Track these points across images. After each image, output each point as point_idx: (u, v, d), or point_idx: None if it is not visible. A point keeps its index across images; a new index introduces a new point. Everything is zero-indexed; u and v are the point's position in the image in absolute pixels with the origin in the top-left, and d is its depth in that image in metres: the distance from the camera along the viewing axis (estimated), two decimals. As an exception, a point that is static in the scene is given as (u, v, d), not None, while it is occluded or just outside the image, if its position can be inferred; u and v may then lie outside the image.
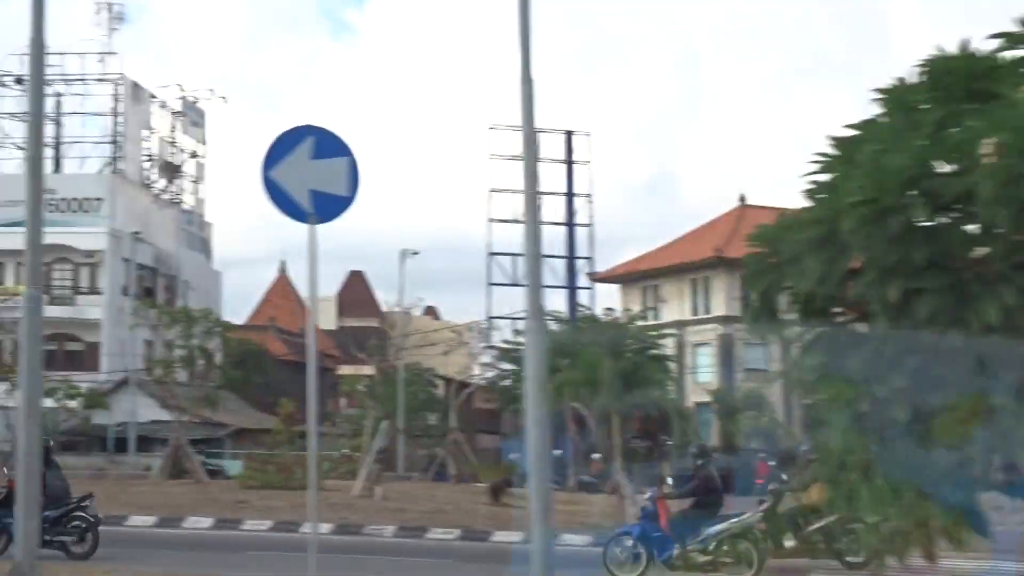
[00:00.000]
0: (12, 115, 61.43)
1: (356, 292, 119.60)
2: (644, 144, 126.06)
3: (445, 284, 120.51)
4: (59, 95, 61.66)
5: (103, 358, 56.34)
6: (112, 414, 50.81)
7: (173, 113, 65.77)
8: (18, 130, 61.95)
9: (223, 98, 67.42)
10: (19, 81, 60.68)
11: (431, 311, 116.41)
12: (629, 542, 16.89)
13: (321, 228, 10.44)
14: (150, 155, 63.75)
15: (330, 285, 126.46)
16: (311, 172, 10.50)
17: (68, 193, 58.61)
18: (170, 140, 65.67)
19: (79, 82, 60.64)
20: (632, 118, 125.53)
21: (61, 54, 60.13)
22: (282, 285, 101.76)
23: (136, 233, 55.60)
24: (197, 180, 69.07)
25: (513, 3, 10.34)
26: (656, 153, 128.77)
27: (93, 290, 57.73)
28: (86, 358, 56.63)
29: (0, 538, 18.72)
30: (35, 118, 8.65)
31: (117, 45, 62.45)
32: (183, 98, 65.87)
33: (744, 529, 16.82)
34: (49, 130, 62.45)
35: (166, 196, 65.01)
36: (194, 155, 68.38)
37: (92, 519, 18.91)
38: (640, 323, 53.66)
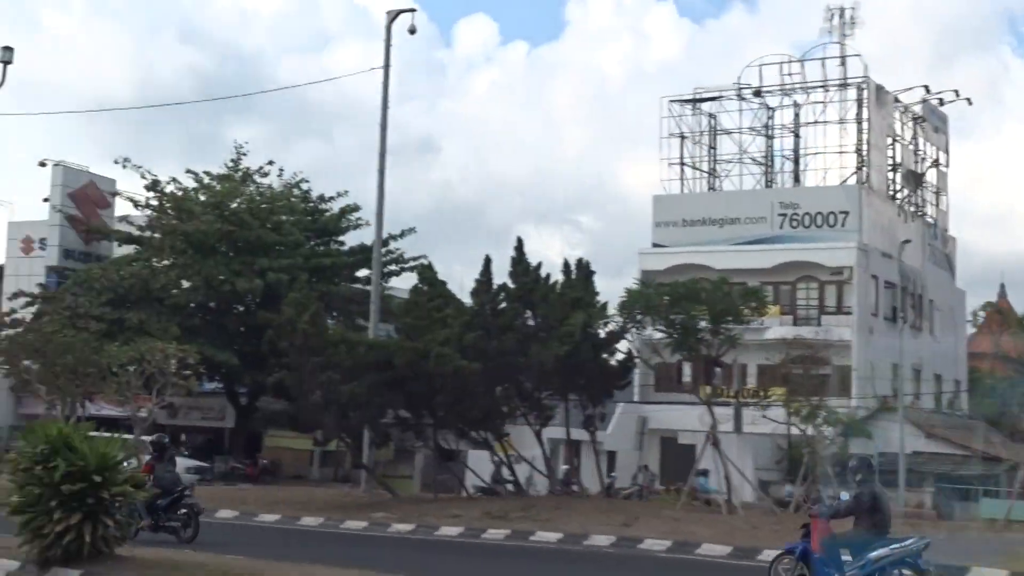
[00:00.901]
0: (752, 130, 59.51)
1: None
2: None
3: None
4: (797, 105, 58.87)
5: (854, 382, 52.28)
6: (871, 443, 46.94)
7: (914, 119, 60.58)
8: (755, 145, 60.01)
9: (968, 100, 60.80)
10: (757, 94, 58.61)
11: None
12: (791, 562, 15.52)
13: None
14: (893, 164, 59.00)
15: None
16: None
17: (811, 207, 55.42)
18: (913, 147, 60.56)
19: (820, 89, 57.23)
20: None
21: (801, 61, 57.57)
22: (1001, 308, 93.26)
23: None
24: (939, 191, 63.33)
25: None
26: None
27: (840, 309, 53.92)
28: (833, 382, 52.85)
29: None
30: None
31: (850, 48, 57.94)
32: (925, 101, 60.43)
33: (909, 556, 14.58)
34: (787, 142, 59.96)
35: (908, 208, 59.87)
36: (935, 163, 62.74)
37: (193, 506, 20.91)
38: None
